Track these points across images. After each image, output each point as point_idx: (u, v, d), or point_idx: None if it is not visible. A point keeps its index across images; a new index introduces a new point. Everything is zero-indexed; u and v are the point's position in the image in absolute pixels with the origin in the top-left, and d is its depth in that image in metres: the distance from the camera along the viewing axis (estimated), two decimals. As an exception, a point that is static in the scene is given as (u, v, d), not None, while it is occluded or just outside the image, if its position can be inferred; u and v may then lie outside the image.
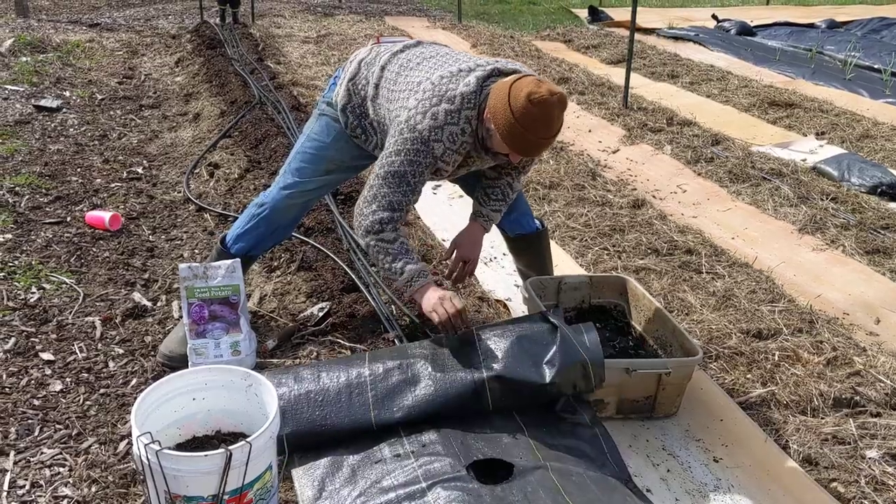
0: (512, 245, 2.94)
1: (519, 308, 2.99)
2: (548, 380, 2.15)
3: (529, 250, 2.92)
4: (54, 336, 2.78)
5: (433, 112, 2.21)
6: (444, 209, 4.04)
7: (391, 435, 2.11)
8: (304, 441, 2.11)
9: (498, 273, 3.41)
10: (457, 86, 2.23)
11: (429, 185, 4.35)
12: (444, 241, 3.66)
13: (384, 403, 2.14)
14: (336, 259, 3.21)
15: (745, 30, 9.44)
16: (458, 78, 2.25)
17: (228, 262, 2.51)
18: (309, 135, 2.61)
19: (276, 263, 3.24)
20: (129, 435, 2.27)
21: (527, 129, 2.13)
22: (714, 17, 10.48)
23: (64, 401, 2.44)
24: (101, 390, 2.50)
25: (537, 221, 2.91)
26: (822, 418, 2.44)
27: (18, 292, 3.04)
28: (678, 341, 2.48)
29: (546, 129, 2.14)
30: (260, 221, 2.64)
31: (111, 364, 2.64)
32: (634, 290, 2.78)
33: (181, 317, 2.67)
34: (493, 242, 3.64)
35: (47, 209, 3.85)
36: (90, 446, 2.24)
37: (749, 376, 2.64)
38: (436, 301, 2.25)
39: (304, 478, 2.04)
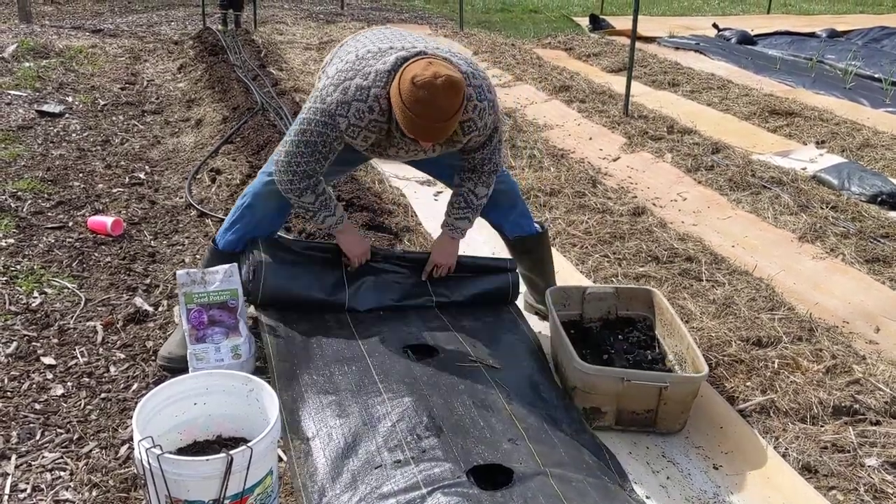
0: (511, 248, 2.95)
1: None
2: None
3: (529, 254, 2.93)
4: (56, 340, 2.79)
5: (345, 86, 2.23)
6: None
7: (387, 421, 2.13)
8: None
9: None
10: (376, 62, 2.24)
11: (430, 191, 4.36)
12: (444, 247, 3.67)
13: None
14: (337, 265, 3.21)
15: (746, 39, 9.48)
16: (382, 55, 2.26)
17: (226, 266, 2.52)
18: (288, 131, 2.66)
19: (277, 269, 3.25)
20: (131, 439, 2.27)
21: (414, 113, 2.11)
22: (715, 26, 10.52)
23: (65, 405, 2.44)
24: (103, 395, 2.51)
25: (537, 224, 2.92)
26: (822, 426, 2.45)
27: (20, 297, 3.05)
28: (691, 358, 2.46)
29: (433, 111, 2.11)
30: (245, 211, 2.69)
31: (112, 368, 2.65)
32: (660, 304, 2.74)
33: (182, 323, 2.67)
34: (495, 250, 3.65)
35: (49, 214, 3.87)
36: (91, 450, 2.24)
37: (749, 384, 2.64)
38: (358, 252, 2.70)
39: (305, 483, 2.04)
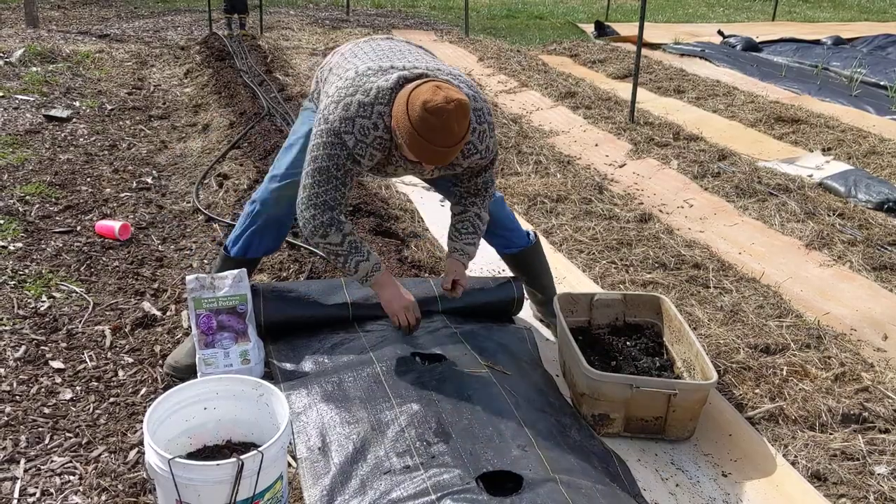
0: (505, 261, 2.97)
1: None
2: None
3: (522, 266, 2.95)
4: (64, 345, 2.80)
5: (346, 102, 2.20)
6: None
7: (395, 427, 2.12)
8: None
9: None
10: (377, 80, 2.21)
11: (436, 197, 4.37)
12: (451, 253, 3.67)
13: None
14: (344, 270, 3.22)
15: (751, 46, 9.48)
16: (382, 73, 2.24)
17: (235, 271, 2.52)
18: (291, 130, 2.67)
19: (285, 274, 3.26)
20: (139, 443, 2.27)
21: (426, 139, 2.09)
22: (720, 32, 10.53)
23: (74, 409, 2.45)
24: (111, 399, 2.51)
25: (529, 235, 2.92)
26: (831, 434, 2.44)
27: (29, 301, 3.06)
28: (699, 365, 2.45)
29: (446, 136, 2.09)
30: (256, 217, 2.66)
31: (121, 373, 2.65)
32: (668, 311, 2.73)
33: (190, 328, 2.68)
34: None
35: (57, 218, 3.88)
36: (100, 455, 2.24)
37: (757, 391, 2.64)
38: (400, 308, 2.49)
39: (314, 488, 2.04)
